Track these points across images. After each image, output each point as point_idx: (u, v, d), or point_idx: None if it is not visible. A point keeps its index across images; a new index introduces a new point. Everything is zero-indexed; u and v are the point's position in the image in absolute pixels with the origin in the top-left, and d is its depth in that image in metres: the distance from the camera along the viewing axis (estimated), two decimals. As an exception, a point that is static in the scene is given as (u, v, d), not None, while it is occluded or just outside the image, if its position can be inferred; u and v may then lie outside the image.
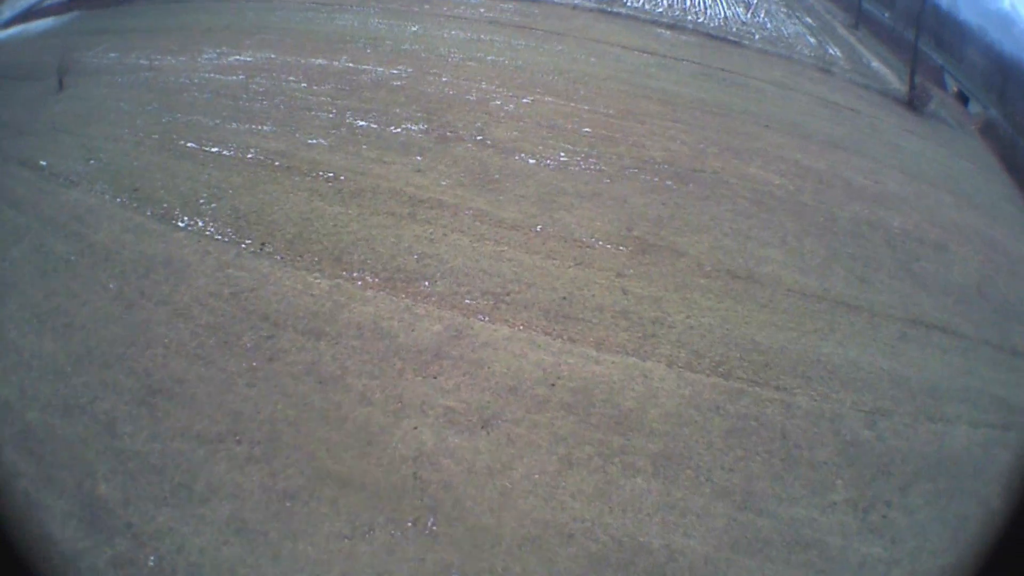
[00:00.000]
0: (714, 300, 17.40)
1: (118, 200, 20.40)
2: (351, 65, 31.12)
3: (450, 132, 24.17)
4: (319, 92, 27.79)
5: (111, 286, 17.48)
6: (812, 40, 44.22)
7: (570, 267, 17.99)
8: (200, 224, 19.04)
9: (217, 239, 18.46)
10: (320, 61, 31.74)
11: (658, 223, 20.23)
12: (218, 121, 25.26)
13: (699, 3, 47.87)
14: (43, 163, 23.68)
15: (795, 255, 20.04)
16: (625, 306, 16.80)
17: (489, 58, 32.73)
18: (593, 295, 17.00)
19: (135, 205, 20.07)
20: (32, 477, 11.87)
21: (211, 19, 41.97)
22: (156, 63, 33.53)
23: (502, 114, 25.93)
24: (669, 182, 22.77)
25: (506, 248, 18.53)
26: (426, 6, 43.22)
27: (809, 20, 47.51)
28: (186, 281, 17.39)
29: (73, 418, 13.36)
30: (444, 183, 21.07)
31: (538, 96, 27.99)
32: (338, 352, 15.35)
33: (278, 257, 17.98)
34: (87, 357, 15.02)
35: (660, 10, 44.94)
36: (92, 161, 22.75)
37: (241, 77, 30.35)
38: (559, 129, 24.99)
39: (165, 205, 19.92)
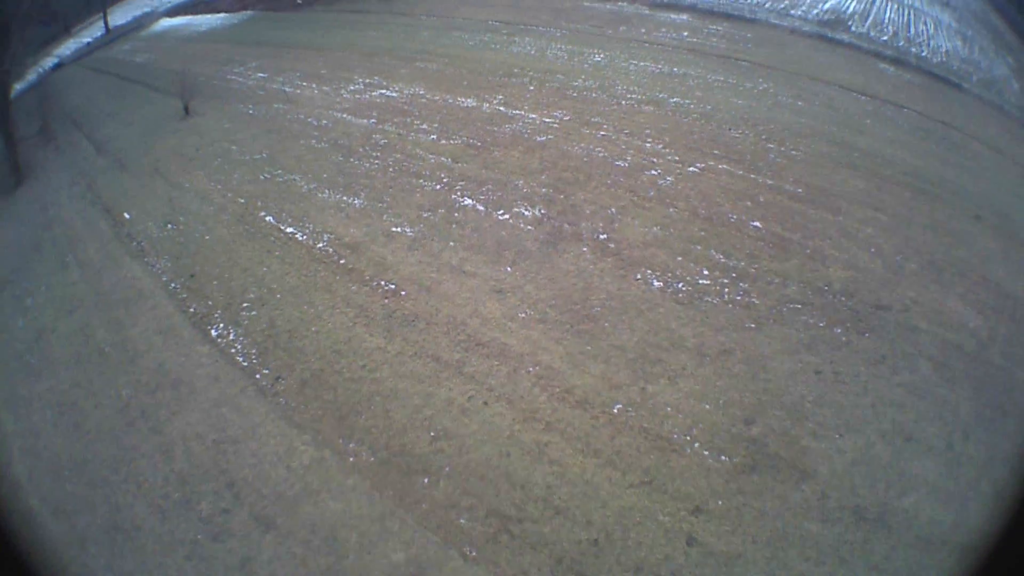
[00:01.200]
0: (813, 564, 10.95)
1: (172, 286, 19.26)
2: (501, 109, 27.52)
3: (569, 224, 19.32)
4: (442, 149, 24.56)
5: (124, 394, 16.72)
6: (1016, 85, 32.85)
7: (632, 486, 12.53)
8: (230, 338, 17.01)
9: (235, 362, 16.24)
10: (469, 102, 28.66)
11: (795, 413, 13.67)
12: (313, 186, 23.25)
13: (922, 31, 39.04)
14: (127, 215, 23.81)
15: (951, 470, 12.44)
16: (678, 568, 11.08)
17: (672, 100, 26.99)
18: (640, 542, 11.50)
19: (183, 296, 18.81)
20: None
21: (379, 38, 41.53)
22: (296, 92, 33.96)
23: (652, 193, 20.43)
24: (838, 330, 15.67)
25: (555, 439, 13.59)
26: (621, 28, 38.13)
27: (1011, 60, 36.17)
28: (183, 411, 15.56)
29: (59, 522, 13.50)
30: (522, 315, 16.48)
31: (711, 163, 21.90)
32: (276, 555, 12.03)
33: (281, 401, 15.07)
34: (82, 468, 14.77)
35: (885, 38, 36.43)
36: (170, 226, 22.37)
37: (371, 121, 28.37)
38: (719, 222, 18.86)
39: (209, 303, 18.30)
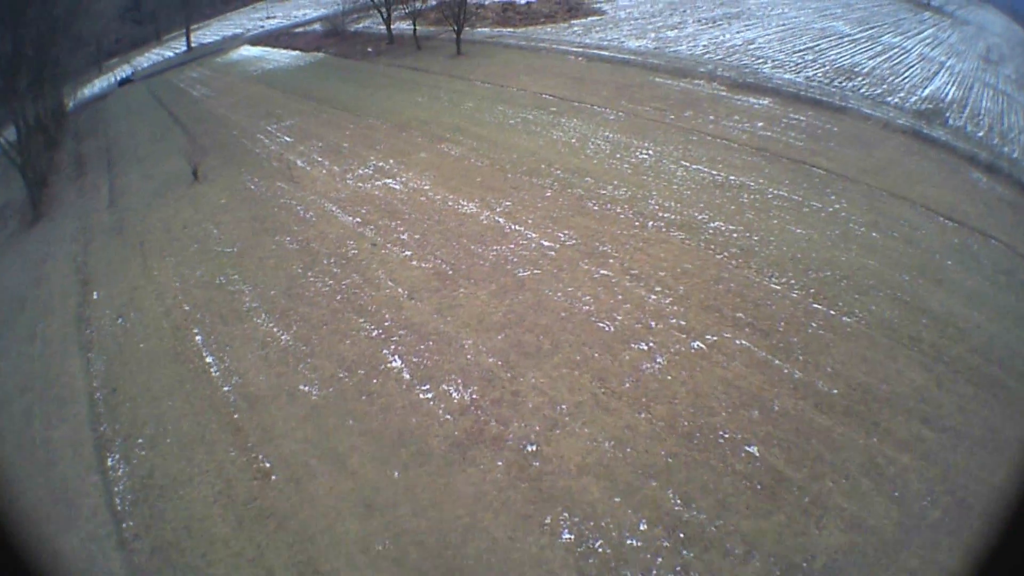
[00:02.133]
0: None
1: (96, 395, 18.33)
2: (500, 222, 23.50)
3: (497, 421, 14.57)
4: (406, 276, 20.81)
5: (24, 504, 14.74)
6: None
7: None
8: (119, 473, 15.37)
9: (113, 504, 14.45)
10: (470, 207, 24.90)
11: None
12: (255, 305, 20.99)
13: (1015, 124, 34.49)
14: (95, 295, 23.95)
15: None
16: None
17: (713, 225, 21.98)
18: None
19: (100, 411, 17.65)
20: None
21: (420, 106, 39.24)
22: (306, 170, 31.92)
23: (627, 385, 15.26)
24: None
25: None
26: (687, 113, 33.23)
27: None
28: (60, 537, 13.86)
29: None
30: (378, 548, 12.29)
31: (728, 335, 16.58)
32: None
33: (134, 560, 13.21)
34: None
35: (980, 134, 32.05)
36: (120, 320, 21.76)
37: (356, 221, 25.18)
38: (700, 444, 13.53)
39: (116, 427, 16.96)
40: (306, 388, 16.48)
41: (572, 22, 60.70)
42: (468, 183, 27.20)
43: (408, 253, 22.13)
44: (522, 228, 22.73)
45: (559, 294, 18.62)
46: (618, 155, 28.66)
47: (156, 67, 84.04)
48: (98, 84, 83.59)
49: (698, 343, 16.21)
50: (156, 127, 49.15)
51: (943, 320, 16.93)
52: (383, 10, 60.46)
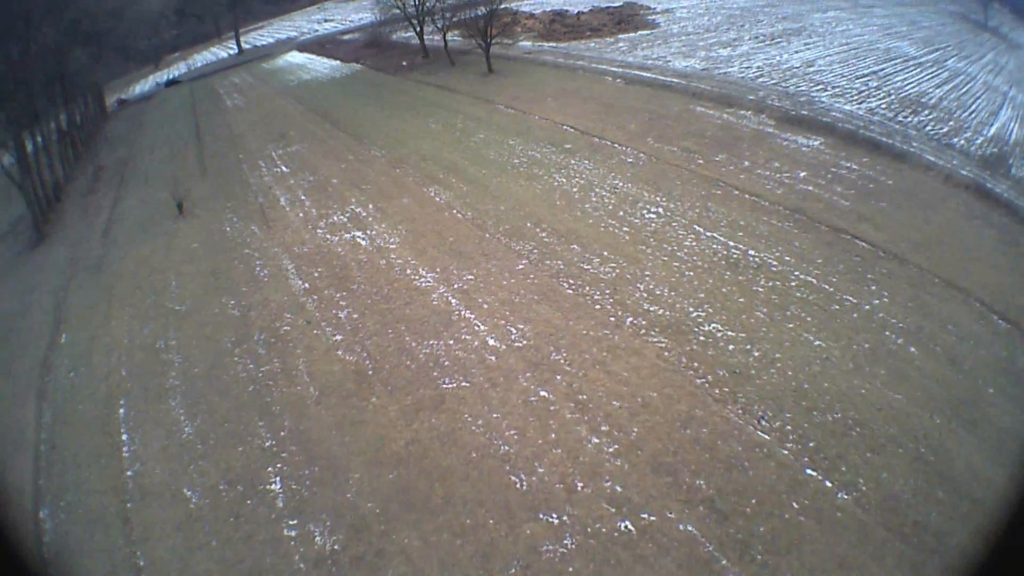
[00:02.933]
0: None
1: (41, 447, 18.11)
2: (452, 303, 20.45)
3: None
4: (321, 372, 18.10)
5: None
6: None
7: None
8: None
9: None
10: (427, 280, 22.08)
11: None
12: (174, 383, 19.44)
13: None
14: (63, 338, 23.83)
15: None
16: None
17: (707, 328, 18.02)
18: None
19: (41, 465, 17.35)
20: None
21: (429, 135, 36.92)
22: (284, 212, 29.92)
23: (518, 570, 11.93)
24: None
25: None
26: (719, 157, 28.85)
27: None
28: None
29: None
30: None
31: (670, 518, 12.58)
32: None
33: None
34: None
35: None
36: (72, 374, 21.43)
37: (304, 287, 23.22)
38: None
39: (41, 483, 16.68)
40: (188, 493, 15.36)
41: (619, 36, 56.69)
42: (438, 244, 24.06)
43: (338, 338, 19.29)
44: (473, 315, 19.34)
45: (480, 422, 15.16)
46: (620, 213, 24.81)
47: (207, 68, 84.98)
48: (152, 80, 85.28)
49: (628, 523, 12.45)
50: (177, 142, 48.57)
51: (961, 490, 12.59)
52: (416, 23, 57.91)
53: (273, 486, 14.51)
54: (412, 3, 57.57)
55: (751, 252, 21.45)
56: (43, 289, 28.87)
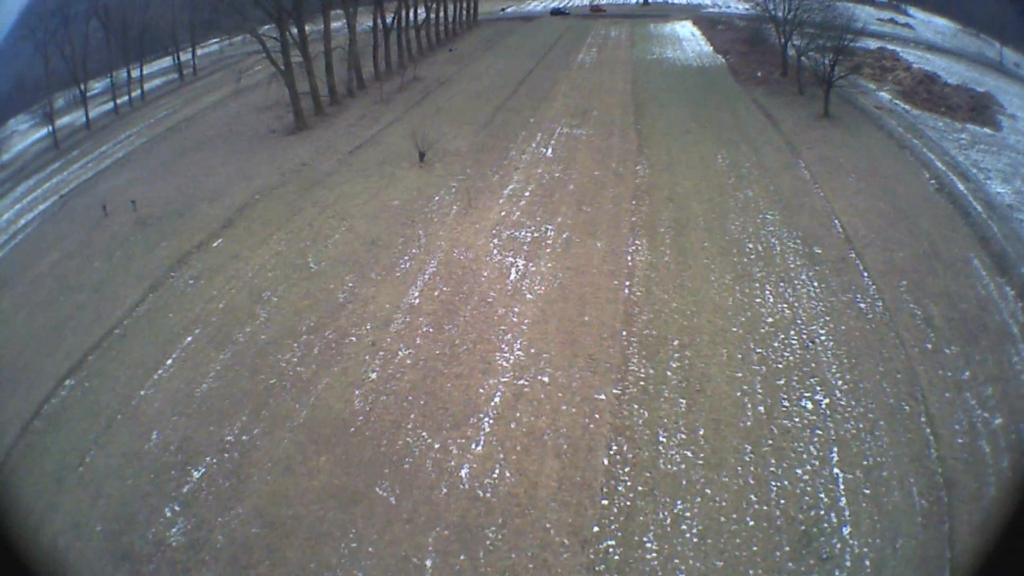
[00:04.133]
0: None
1: None
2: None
3: None
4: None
5: None
6: None
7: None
8: None
9: None
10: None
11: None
12: None
13: None
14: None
15: None
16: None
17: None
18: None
19: None
20: None
21: (686, 198, 31.56)
22: (479, 209, 28.51)
23: None
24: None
25: None
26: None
27: None
28: None
29: None
30: None
31: None
32: None
33: None
34: None
35: None
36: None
37: (391, 315, 21.43)
38: None
39: None
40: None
41: (966, 126, 46.88)
42: (565, 337, 20.69)
43: (372, 376, 17.76)
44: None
45: None
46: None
47: (603, 5, 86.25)
48: (528, 6, 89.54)
49: None
50: (499, 82, 50.32)
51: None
52: (781, 33, 51.35)
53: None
54: (783, 9, 51.97)
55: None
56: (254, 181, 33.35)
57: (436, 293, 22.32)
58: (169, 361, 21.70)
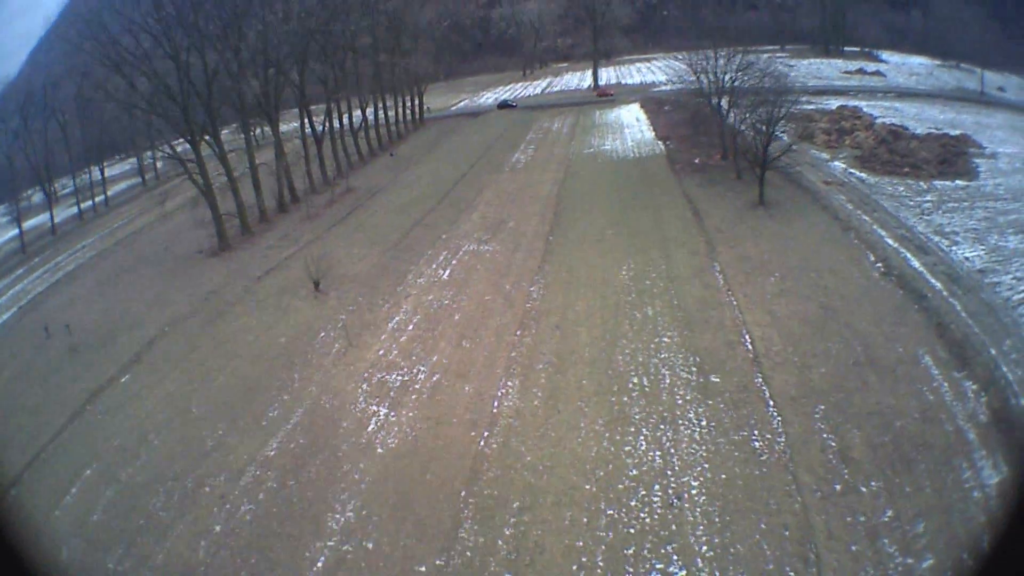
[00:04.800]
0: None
1: None
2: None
3: None
4: None
5: None
6: None
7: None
8: None
9: None
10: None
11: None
12: None
13: None
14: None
15: None
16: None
17: None
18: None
19: None
20: None
21: (573, 324, 30.95)
22: (362, 346, 29.55)
23: None
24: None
25: None
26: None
27: None
28: None
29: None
30: None
31: None
32: None
33: None
34: None
35: None
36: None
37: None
38: None
39: None
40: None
41: (933, 183, 45.07)
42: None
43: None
44: None
45: None
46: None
47: (552, 96, 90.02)
48: (506, 93, 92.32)
49: None
50: (429, 191, 52.66)
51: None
52: (714, 102, 51.49)
53: None
54: (716, 78, 50.67)
55: None
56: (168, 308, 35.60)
57: (292, 445, 23.67)
58: (74, 489, 24.68)
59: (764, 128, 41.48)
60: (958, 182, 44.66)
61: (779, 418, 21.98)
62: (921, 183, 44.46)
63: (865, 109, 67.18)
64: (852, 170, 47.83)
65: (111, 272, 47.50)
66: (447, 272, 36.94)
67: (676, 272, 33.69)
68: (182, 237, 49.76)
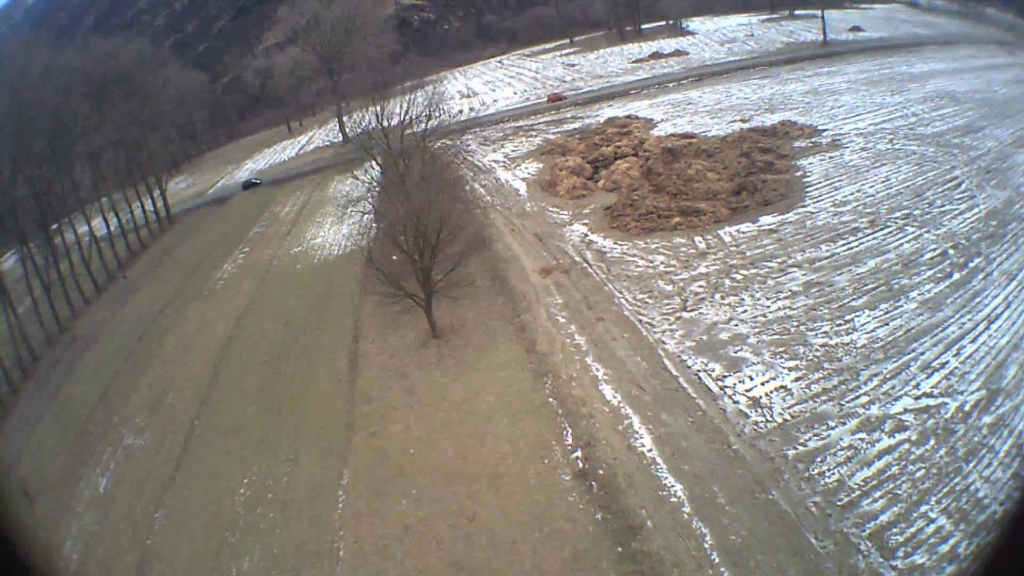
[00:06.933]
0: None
1: None
2: None
3: None
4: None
5: None
6: None
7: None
8: None
9: None
10: None
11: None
12: None
13: None
14: None
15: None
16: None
17: None
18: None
19: None
20: None
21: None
22: None
23: None
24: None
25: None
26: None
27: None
28: None
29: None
30: None
31: None
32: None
33: None
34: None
35: None
36: None
37: None
38: None
39: None
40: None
41: (725, 229, 35.63)
42: None
43: None
44: None
45: None
46: None
47: (303, 159, 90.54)
48: (242, 174, 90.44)
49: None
50: (133, 326, 52.50)
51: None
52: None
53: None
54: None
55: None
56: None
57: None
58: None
59: (420, 247, 31.84)
60: (763, 219, 32.65)
61: None
62: (699, 238, 32.94)
63: (645, 113, 56.71)
64: (594, 236, 37.86)
65: None
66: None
67: (294, 489, 27.84)
68: None
